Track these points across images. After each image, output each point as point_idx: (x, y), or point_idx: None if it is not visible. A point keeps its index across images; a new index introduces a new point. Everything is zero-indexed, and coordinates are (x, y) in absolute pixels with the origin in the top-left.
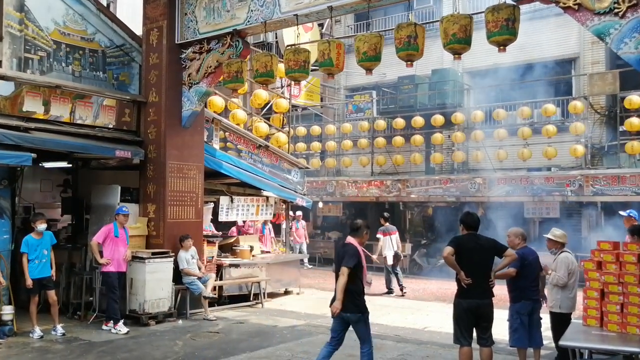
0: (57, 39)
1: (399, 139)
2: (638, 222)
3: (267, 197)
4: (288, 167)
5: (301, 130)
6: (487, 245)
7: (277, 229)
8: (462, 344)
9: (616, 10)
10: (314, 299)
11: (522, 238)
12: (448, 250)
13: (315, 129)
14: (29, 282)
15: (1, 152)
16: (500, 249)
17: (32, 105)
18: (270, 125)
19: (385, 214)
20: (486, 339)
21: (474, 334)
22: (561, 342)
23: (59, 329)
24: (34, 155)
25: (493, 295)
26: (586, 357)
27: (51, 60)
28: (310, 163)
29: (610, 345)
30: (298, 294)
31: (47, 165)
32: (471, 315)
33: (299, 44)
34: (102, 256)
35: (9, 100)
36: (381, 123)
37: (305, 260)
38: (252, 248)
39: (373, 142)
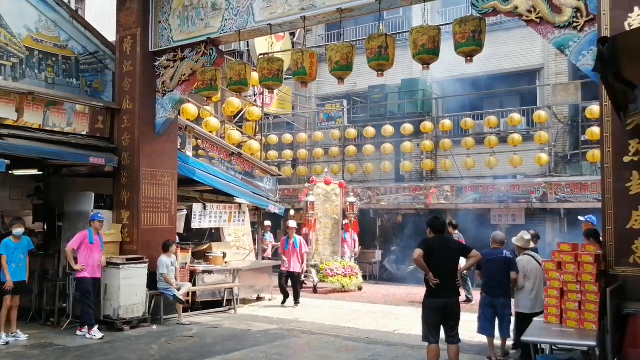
0: (30, 45)
1: (369, 147)
2: (595, 226)
3: (240, 204)
4: (260, 175)
5: (273, 138)
6: (454, 247)
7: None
8: (430, 342)
9: (575, 24)
10: (286, 305)
11: (494, 241)
12: (418, 252)
13: (287, 137)
14: (10, 284)
15: None
16: (465, 250)
17: (5, 112)
18: (242, 133)
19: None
20: (453, 337)
21: (442, 332)
22: (523, 338)
23: (20, 334)
24: (7, 161)
25: (459, 294)
26: (547, 353)
27: (24, 66)
28: (282, 171)
29: (568, 340)
30: (270, 300)
31: (18, 172)
32: (439, 314)
33: (272, 52)
34: (76, 262)
35: None
36: (352, 132)
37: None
38: (224, 255)
39: (344, 151)
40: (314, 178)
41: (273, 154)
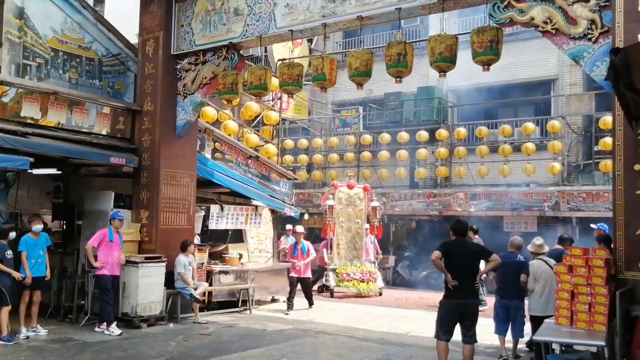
0: (55, 46)
1: (384, 154)
2: (607, 234)
3: (257, 207)
4: (277, 178)
5: (289, 143)
6: (473, 250)
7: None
8: (440, 339)
9: (589, 36)
10: (300, 307)
11: (512, 245)
12: (436, 254)
13: (303, 142)
14: (29, 279)
15: (0, 155)
16: (485, 253)
17: (30, 111)
18: (260, 137)
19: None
20: (469, 337)
21: (459, 331)
22: (534, 338)
23: (40, 329)
24: (31, 159)
25: (477, 296)
26: (558, 353)
27: (49, 67)
28: (297, 175)
29: (578, 340)
30: (284, 302)
31: (37, 171)
32: (455, 314)
33: (291, 58)
34: (96, 260)
35: (8, 105)
36: (367, 138)
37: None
38: (241, 256)
39: (359, 156)
40: (335, 182)
41: (288, 158)
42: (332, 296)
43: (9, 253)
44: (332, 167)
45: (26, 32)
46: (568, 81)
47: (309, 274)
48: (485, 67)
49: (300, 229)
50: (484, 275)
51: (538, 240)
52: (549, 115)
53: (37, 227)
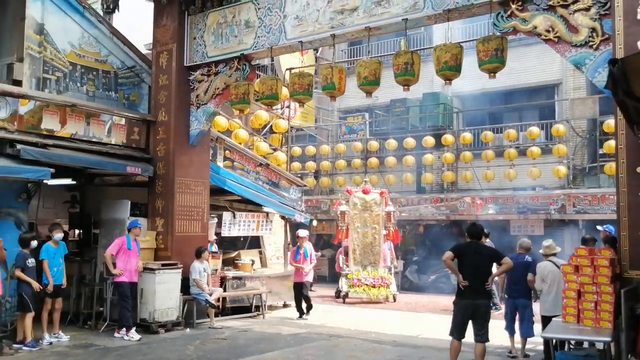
0: (73, 60)
1: (391, 159)
2: (613, 235)
3: (267, 213)
4: (286, 185)
5: (296, 150)
6: (485, 253)
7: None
8: (453, 337)
9: (591, 43)
10: (312, 311)
11: (521, 247)
12: (448, 254)
13: (310, 149)
14: (51, 286)
15: (22, 166)
16: (497, 257)
17: (50, 123)
18: (270, 145)
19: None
20: (480, 336)
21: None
22: (542, 335)
23: (62, 335)
24: (52, 170)
25: (489, 297)
26: (566, 349)
27: (67, 80)
28: (305, 182)
29: (585, 337)
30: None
31: (52, 182)
32: (466, 314)
33: (298, 67)
34: (115, 267)
35: (29, 117)
36: (374, 144)
37: None
38: (253, 262)
39: (366, 162)
40: (350, 188)
41: (296, 165)
42: (344, 302)
43: (31, 261)
44: (339, 174)
45: (46, 47)
46: (572, 85)
47: (309, 279)
48: (491, 74)
49: (303, 233)
50: (497, 278)
51: (547, 242)
52: (554, 119)
53: (58, 235)
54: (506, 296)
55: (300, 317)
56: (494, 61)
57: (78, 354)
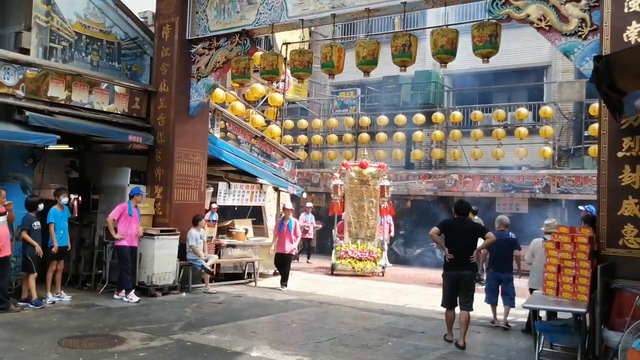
0: (79, 30)
1: (382, 135)
2: (593, 215)
3: (261, 185)
4: (281, 157)
5: (289, 123)
6: (470, 228)
7: None
8: (447, 307)
9: (580, 33)
10: (301, 279)
11: (501, 224)
12: (434, 230)
13: (303, 123)
14: (56, 249)
15: (30, 132)
16: (482, 231)
17: (55, 91)
18: (265, 118)
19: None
20: (464, 304)
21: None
22: (524, 304)
23: (64, 295)
24: (58, 137)
25: (473, 269)
26: (545, 319)
27: (72, 50)
28: (297, 155)
29: (563, 307)
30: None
31: (52, 147)
32: (454, 284)
33: (294, 42)
34: (116, 232)
35: (36, 85)
36: (366, 119)
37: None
38: (246, 231)
39: (357, 137)
40: (345, 162)
41: (288, 138)
42: (332, 273)
43: (37, 224)
44: (330, 148)
45: (53, 16)
46: (560, 68)
47: (289, 250)
48: (485, 59)
49: (289, 205)
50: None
51: (549, 220)
52: (542, 100)
53: (64, 200)
54: (491, 270)
55: (281, 286)
56: (487, 46)
57: (81, 312)
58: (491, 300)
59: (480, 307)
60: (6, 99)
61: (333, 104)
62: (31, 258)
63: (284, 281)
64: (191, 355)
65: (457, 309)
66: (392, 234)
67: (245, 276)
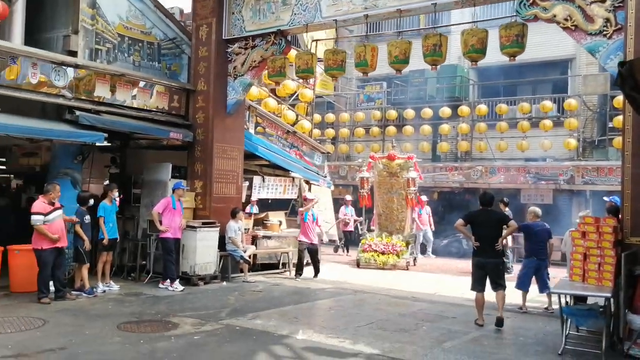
0: (121, 32)
1: (408, 128)
2: (618, 206)
3: (293, 178)
4: (311, 152)
5: (316, 117)
6: (494, 218)
7: None
8: (476, 290)
9: (604, 32)
10: (334, 270)
11: (534, 215)
12: (459, 221)
13: (330, 117)
14: (106, 241)
15: (80, 131)
16: (504, 220)
17: (101, 91)
18: (296, 113)
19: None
20: (497, 285)
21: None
22: (552, 290)
23: (113, 284)
24: (106, 135)
25: (499, 257)
26: (571, 304)
27: (116, 51)
28: (325, 148)
29: (589, 293)
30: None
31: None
32: (480, 270)
33: (324, 39)
34: (161, 224)
35: (83, 86)
36: (392, 113)
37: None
38: (280, 222)
39: (384, 130)
40: (373, 154)
41: (316, 132)
42: (358, 266)
43: (87, 218)
44: (357, 141)
45: (98, 19)
46: (585, 61)
47: (317, 241)
48: (512, 58)
49: (310, 195)
50: (509, 243)
51: (583, 212)
52: (566, 93)
53: (116, 194)
54: (532, 257)
55: (297, 276)
56: (514, 46)
57: (132, 300)
58: (525, 287)
59: (508, 294)
60: (57, 99)
61: (359, 97)
62: (82, 250)
63: (299, 271)
64: (241, 339)
65: (486, 293)
66: (433, 227)
67: (280, 266)
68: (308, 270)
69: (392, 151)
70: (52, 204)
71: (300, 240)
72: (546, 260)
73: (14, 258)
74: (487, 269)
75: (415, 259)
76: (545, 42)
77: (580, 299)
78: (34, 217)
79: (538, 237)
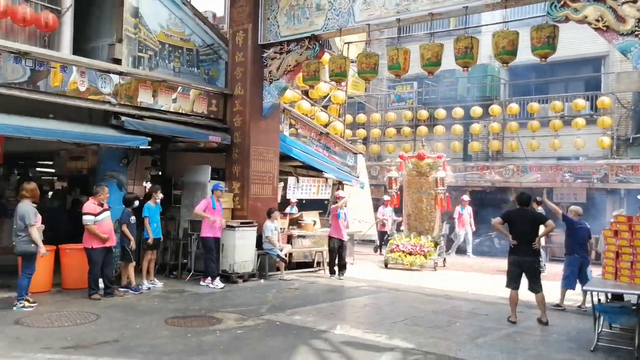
0: (162, 40)
1: (439, 128)
2: None
3: (327, 179)
4: (344, 152)
5: (348, 118)
6: (531, 217)
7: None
8: (511, 288)
9: (636, 32)
10: (367, 268)
11: (575, 213)
12: (497, 219)
13: (361, 117)
14: (151, 240)
15: (125, 136)
16: (542, 220)
17: (144, 97)
18: (328, 115)
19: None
20: (533, 287)
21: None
22: (584, 287)
23: (157, 282)
24: (149, 139)
25: (535, 255)
26: (603, 301)
27: (157, 58)
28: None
29: (622, 290)
30: (352, 264)
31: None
32: (516, 268)
33: (356, 42)
34: (205, 220)
35: (127, 92)
36: (423, 113)
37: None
38: (314, 222)
39: (415, 130)
40: (402, 154)
41: (347, 132)
42: (386, 267)
43: (133, 219)
44: (388, 141)
45: (140, 28)
46: (618, 58)
47: (346, 238)
48: (543, 59)
49: (342, 194)
50: (542, 242)
51: (617, 212)
52: (599, 90)
53: (160, 196)
54: (575, 255)
55: (332, 275)
56: (545, 47)
57: (175, 297)
58: (571, 285)
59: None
60: (103, 106)
61: (390, 97)
62: (129, 249)
63: (333, 268)
64: (282, 333)
65: (521, 293)
66: (473, 227)
67: (315, 265)
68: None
69: (421, 150)
70: (101, 205)
71: (331, 237)
72: (588, 257)
73: (65, 256)
74: (524, 267)
75: (444, 260)
76: (577, 39)
77: (616, 297)
78: (85, 218)
79: (580, 234)
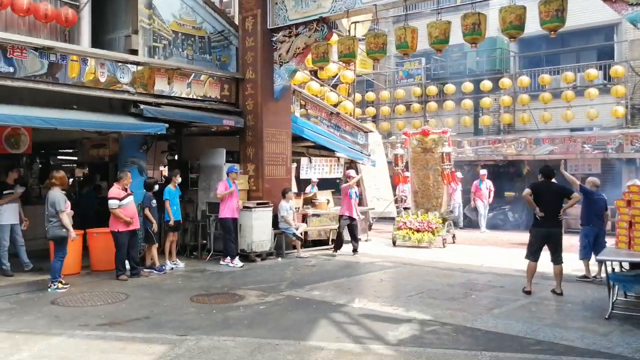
0: (175, 29)
1: (449, 103)
2: None
3: (339, 158)
4: (355, 131)
5: (357, 96)
6: (556, 190)
7: None
8: (530, 260)
9: None
10: (381, 245)
11: (593, 184)
12: (527, 191)
13: (370, 95)
14: (172, 222)
15: (144, 123)
16: (567, 193)
17: (160, 85)
18: (338, 94)
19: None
20: (556, 258)
21: (548, 256)
22: (597, 257)
23: (179, 262)
24: (167, 125)
25: (561, 226)
26: (617, 270)
27: (171, 47)
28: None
29: (635, 259)
30: (366, 241)
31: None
32: (541, 240)
33: (363, 20)
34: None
35: (144, 81)
36: (432, 89)
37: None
38: (328, 201)
39: (425, 106)
40: (406, 131)
41: (357, 111)
42: (394, 244)
43: (154, 202)
44: (398, 118)
45: (154, 19)
46: (631, 25)
47: (357, 216)
48: (552, 32)
49: (353, 173)
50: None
51: (630, 182)
52: (612, 59)
53: (179, 179)
54: (591, 225)
55: (336, 250)
56: (554, 21)
57: (198, 276)
58: (588, 255)
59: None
60: (122, 95)
61: (398, 74)
62: (151, 231)
63: (339, 245)
64: (303, 307)
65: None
66: (490, 200)
67: (330, 242)
68: (346, 248)
69: (426, 127)
70: (125, 189)
71: (342, 215)
72: (604, 228)
73: (92, 240)
74: (552, 238)
75: (454, 236)
76: (588, 8)
77: (633, 267)
78: (111, 202)
79: (597, 205)
